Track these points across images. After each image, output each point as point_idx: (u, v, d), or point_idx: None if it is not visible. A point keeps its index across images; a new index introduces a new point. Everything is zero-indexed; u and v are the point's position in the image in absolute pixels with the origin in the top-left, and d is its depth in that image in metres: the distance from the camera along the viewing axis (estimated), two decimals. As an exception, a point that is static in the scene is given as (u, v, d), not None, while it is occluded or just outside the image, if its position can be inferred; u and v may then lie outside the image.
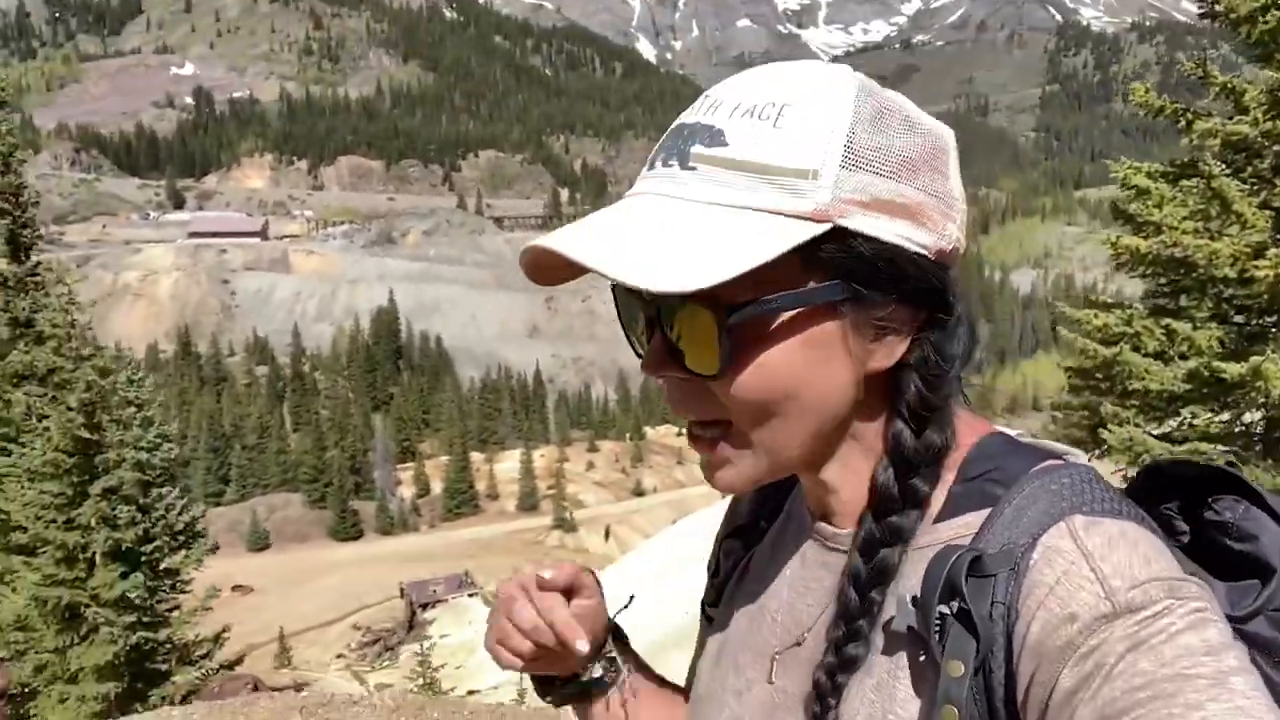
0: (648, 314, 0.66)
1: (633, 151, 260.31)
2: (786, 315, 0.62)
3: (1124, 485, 0.69)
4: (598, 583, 0.83)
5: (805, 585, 0.74)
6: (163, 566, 9.76)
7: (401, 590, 45.55)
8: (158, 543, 9.42)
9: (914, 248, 0.62)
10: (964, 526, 0.64)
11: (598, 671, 0.86)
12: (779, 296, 0.61)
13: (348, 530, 61.68)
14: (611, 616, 0.86)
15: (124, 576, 9.13)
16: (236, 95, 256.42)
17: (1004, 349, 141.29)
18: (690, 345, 0.63)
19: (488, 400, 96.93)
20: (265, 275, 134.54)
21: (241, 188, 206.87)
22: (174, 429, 12.89)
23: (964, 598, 0.58)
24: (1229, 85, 7.36)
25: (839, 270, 0.61)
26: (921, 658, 0.62)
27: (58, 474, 9.01)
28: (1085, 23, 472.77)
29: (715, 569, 0.88)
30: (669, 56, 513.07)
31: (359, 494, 67.04)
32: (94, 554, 9.07)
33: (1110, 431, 7.27)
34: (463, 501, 66.90)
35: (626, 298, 0.69)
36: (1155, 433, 7.65)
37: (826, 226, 0.60)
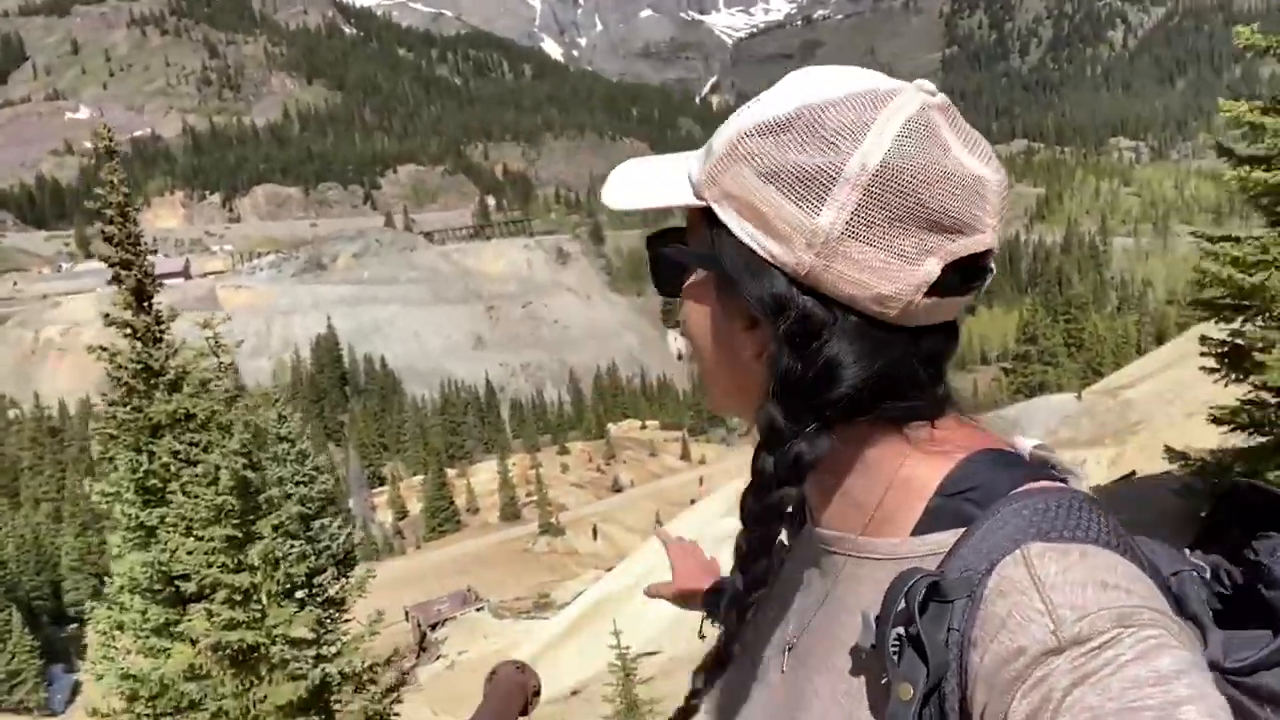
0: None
1: (553, 152, 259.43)
2: (699, 274, 0.70)
3: (1204, 514, 0.65)
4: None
5: (798, 584, 0.76)
6: (325, 597, 9.72)
7: (406, 613, 44.98)
8: (325, 574, 9.38)
9: (764, 254, 0.63)
10: (936, 545, 0.64)
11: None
12: (678, 248, 0.71)
13: (332, 562, 60.74)
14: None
15: (297, 611, 9.10)
16: (138, 134, 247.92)
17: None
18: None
19: (448, 415, 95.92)
20: (193, 315, 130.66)
21: (154, 228, 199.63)
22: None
23: (917, 623, 0.58)
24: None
25: (718, 247, 0.66)
26: (883, 679, 0.61)
27: (220, 518, 8.91)
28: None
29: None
30: (575, 54, 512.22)
31: (336, 524, 66.03)
32: (265, 592, 9.01)
33: (1268, 353, 7.84)
34: (444, 519, 66.20)
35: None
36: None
37: (702, 203, 0.66)
